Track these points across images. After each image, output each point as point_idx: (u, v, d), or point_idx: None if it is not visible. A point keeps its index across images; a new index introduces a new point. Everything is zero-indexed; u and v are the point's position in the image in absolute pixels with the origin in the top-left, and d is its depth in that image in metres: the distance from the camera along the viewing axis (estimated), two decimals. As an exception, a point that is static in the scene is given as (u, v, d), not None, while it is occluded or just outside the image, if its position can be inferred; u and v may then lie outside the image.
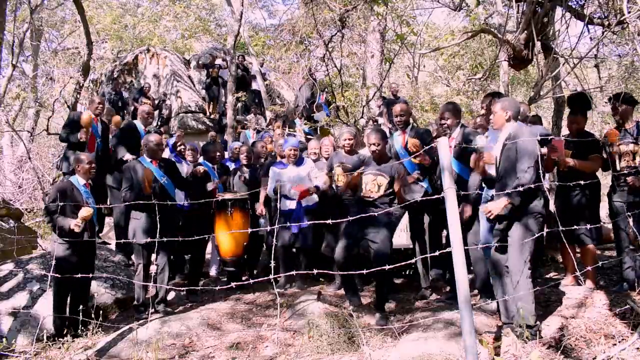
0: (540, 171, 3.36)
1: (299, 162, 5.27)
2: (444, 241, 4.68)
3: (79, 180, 4.38)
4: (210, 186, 5.16)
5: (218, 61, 12.45)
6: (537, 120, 5.38)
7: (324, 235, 5.13)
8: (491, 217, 3.35)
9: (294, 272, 3.31)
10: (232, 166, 5.97)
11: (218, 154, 5.53)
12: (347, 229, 4.17)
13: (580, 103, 4.35)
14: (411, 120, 4.93)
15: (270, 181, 5.25)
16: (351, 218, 3.23)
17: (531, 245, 3.28)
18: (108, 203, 5.92)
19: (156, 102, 11.63)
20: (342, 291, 4.99)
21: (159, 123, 11.33)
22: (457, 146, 4.11)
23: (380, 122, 9.09)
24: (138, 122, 5.87)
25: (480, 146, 3.83)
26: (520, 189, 3.13)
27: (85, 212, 4.11)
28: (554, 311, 3.81)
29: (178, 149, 5.90)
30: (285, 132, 8.16)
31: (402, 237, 5.12)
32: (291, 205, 5.15)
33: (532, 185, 3.16)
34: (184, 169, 5.48)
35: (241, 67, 11.57)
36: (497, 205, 3.28)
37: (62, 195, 4.20)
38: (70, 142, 5.57)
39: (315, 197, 5.17)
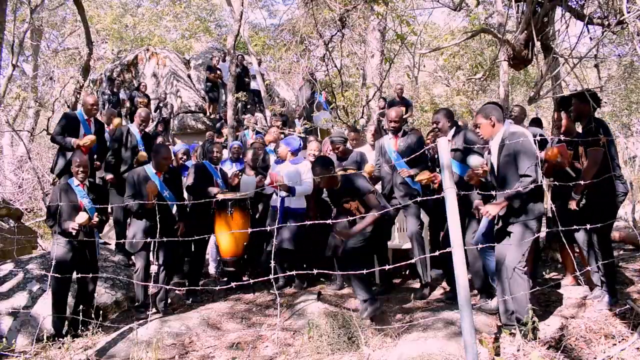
0: (540, 171, 3.37)
1: (296, 160, 5.28)
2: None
3: (74, 181, 4.41)
4: (214, 190, 5.14)
5: (219, 63, 12.44)
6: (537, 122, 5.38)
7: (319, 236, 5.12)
8: (489, 218, 3.40)
9: (293, 273, 3.30)
10: (232, 166, 5.97)
11: (219, 153, 5.52)
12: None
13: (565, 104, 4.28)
14: (406, 126, 4.94)
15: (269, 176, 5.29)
16: (345, 220, 3.24)
17: (529, 245, 3.28)
18: (109, 203, 5.91)
19: (152, 101, 11.62)
20: (342, 291, 5.00)
21: (157, 123, 11.34)
22: (456, 150, 4.09)
23: (383, 123, 9.08)
24: (133, 127, 5.84)
25: (475, 165, 3.78)
26: (522, 190, 3.14)
27: (81, 218, 4.14)
28: (554, 311, 3.81)
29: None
30: (279, 131, 8.15)
31: (403, 237, 5.13)
32: (275, 202, 5.16)
33: (532, 185, 3.17)
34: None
35: (240, 67, 11.55)
36: (496, 206, 3.31)
37: (60, 198, 4.24)
38: (59, 143, 5.52)
39: (302, 200, 5.15)
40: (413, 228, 4.62)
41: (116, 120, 6.56)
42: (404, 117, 5.46)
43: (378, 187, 5.29)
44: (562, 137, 4.12)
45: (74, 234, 4.15)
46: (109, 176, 5.67)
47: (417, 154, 3.93)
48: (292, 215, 5.09)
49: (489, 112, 3.47)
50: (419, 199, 3.24)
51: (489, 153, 3.59)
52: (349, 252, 3.97)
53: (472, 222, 3.99)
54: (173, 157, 5.50)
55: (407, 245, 5.01)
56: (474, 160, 3.75)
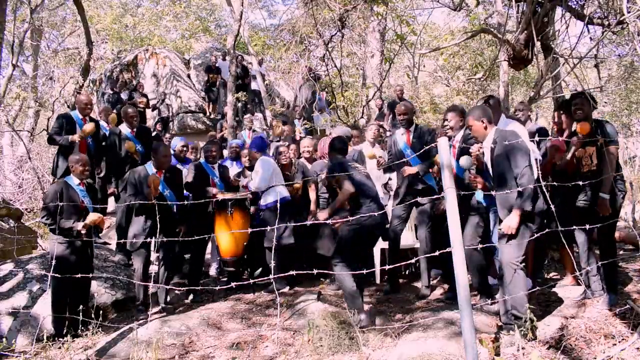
0: (537, 169, 3.36)
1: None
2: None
3: (74, 180, 4.40)
4: (212, 191, 5.13)
5: (218, 62, 12.45)
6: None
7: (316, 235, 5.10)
8: (513, 233, 3.22)
9: (293, 272, 3.30)
10: (232, 164, 5.96)
11: (215, 152, 5.51)
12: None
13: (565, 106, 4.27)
14: (414, 119, 4.93)
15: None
16: (336, 220, 3.22)
17: (527, 243, 3.27)
18: (107, 206, 5.92)
19: (152, 101, 11.61)
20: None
21: (156, 122, 11.34)
22: (458, 148, 4.10)
23: (384, 125, 9.08)
24: (124, 127, 5.81)
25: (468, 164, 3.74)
26: (522, 190, 3.12)
27: (94, 217, 4.19)
28: (554, 311, 3.81)
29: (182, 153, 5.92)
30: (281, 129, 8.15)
31: (406, 237, 5.12)
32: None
33: (531, 185, 3.16)
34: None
35: (239, 67, 11.56)
36: (513, 220, 3.19)
37: (59, 196, 4.22)
38: (57, 144, 5.52)
39: (269, 196, 5.07)
40: (423, 228, 4.63)
41: (112, 117, 6.54)
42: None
43: (392, 180, 5.32)
44: (560, 138, 4.12)
45: (83, 233, 4.17)
46: (110, 189, 5.70)
47: (427, 148, 3.89)
48: (265, 212, 5.04)
49: (479, 115, 3.47)
50: (425, 199, 3.18)
51: (483, 154, 3.59)
52: (340, 247, 3.96)
53: (469, 221, 3.98)
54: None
55: (418, 244, 5.00)
56: (463, 161, 3.71)
